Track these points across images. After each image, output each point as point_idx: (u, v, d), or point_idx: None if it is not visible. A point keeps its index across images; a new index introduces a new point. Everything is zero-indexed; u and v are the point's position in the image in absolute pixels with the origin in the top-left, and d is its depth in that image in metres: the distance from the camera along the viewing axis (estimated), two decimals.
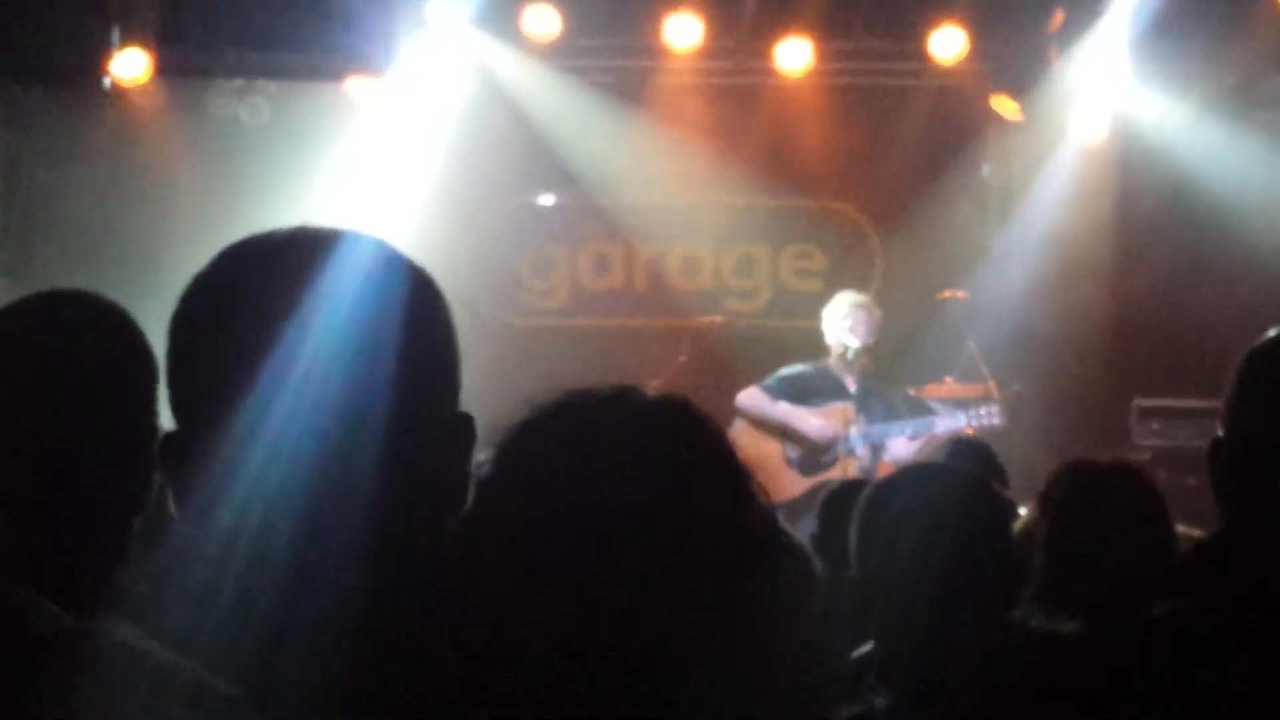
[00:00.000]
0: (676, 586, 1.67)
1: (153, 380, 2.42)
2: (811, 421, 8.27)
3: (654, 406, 1.80)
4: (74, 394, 2.56)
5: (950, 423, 7.96)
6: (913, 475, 3.52)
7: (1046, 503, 3.82)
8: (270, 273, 1.68)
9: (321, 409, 1.60)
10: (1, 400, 2.58)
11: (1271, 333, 2.22)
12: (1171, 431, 9.01)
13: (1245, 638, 2.08)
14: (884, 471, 7.71)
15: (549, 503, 1.70)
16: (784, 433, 8.32)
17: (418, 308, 1.70)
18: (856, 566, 3.21)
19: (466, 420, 1.69)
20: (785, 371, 8.42)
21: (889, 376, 8.60)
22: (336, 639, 1.55)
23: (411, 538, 1.67)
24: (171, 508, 1.71)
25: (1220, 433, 2.16)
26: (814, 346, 8.53)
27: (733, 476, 1.79)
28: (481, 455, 1.74)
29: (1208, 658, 2.07)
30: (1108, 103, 10.08)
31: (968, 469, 4.08)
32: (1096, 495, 3.78)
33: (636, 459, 1.74)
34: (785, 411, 8.33)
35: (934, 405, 8.34)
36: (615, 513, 1.69)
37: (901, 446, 8.07)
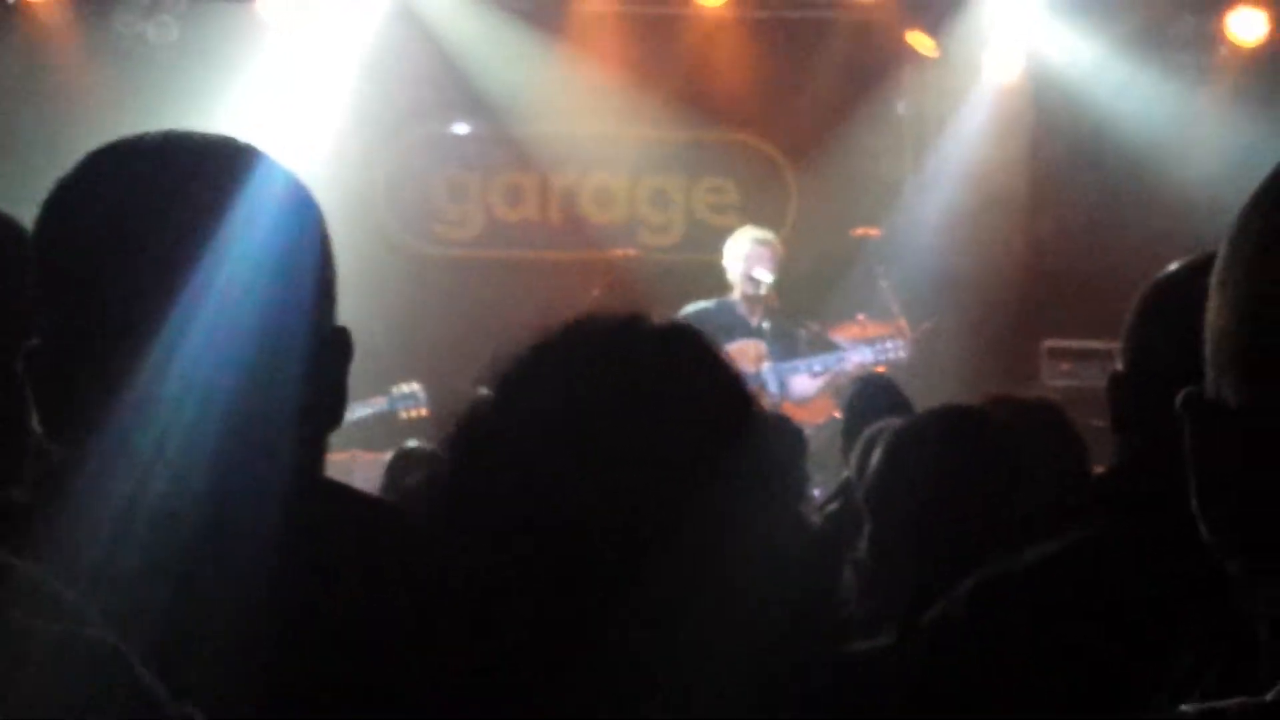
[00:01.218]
0: (681, 506, 1.66)
1: None
2: None
3: (662, 332, 1.80)
4: None
5: (856, 358, 7.99)
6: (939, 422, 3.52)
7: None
8: (146, 176, 1.66)
9: (236, 331, 1.59)
10: None
11: (1171, 266, 2.19)
12: (1080, 372, 9.09)
13: (1136, 570, 2.07)
14: (788, 408, 7.78)
15: (559, 425, 1.70)
16: None
17: (310, 221, 1.71)
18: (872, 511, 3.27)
19: (345, 334, 1.70)
20: (689, 309, 8.37)
21: (804, 313, 8.62)
22: (260, 565, 1.54)
23: (316, 455, 1.70)
24: (34, 422, 1.70)
25: (1119, 366, 2.16)
26: (726, 282, 8.55)
27: (743, 403, 1.79)
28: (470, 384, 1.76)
29: (1098, 593, 2.09)
30: (1022, 41, 10.22)
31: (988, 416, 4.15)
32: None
33: (648, 381, 1.74)
34: None
35: (840, 342, 8.36)
36: (625, 434, 1.68)
37: (806, 382, 8.10)
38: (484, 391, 1.73)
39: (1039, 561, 2.51)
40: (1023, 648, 2.14)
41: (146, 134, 1.70)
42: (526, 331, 1.78)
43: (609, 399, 1.72)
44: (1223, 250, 0.97)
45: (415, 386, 7.65)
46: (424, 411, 7.53)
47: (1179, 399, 0.98)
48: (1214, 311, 0.97)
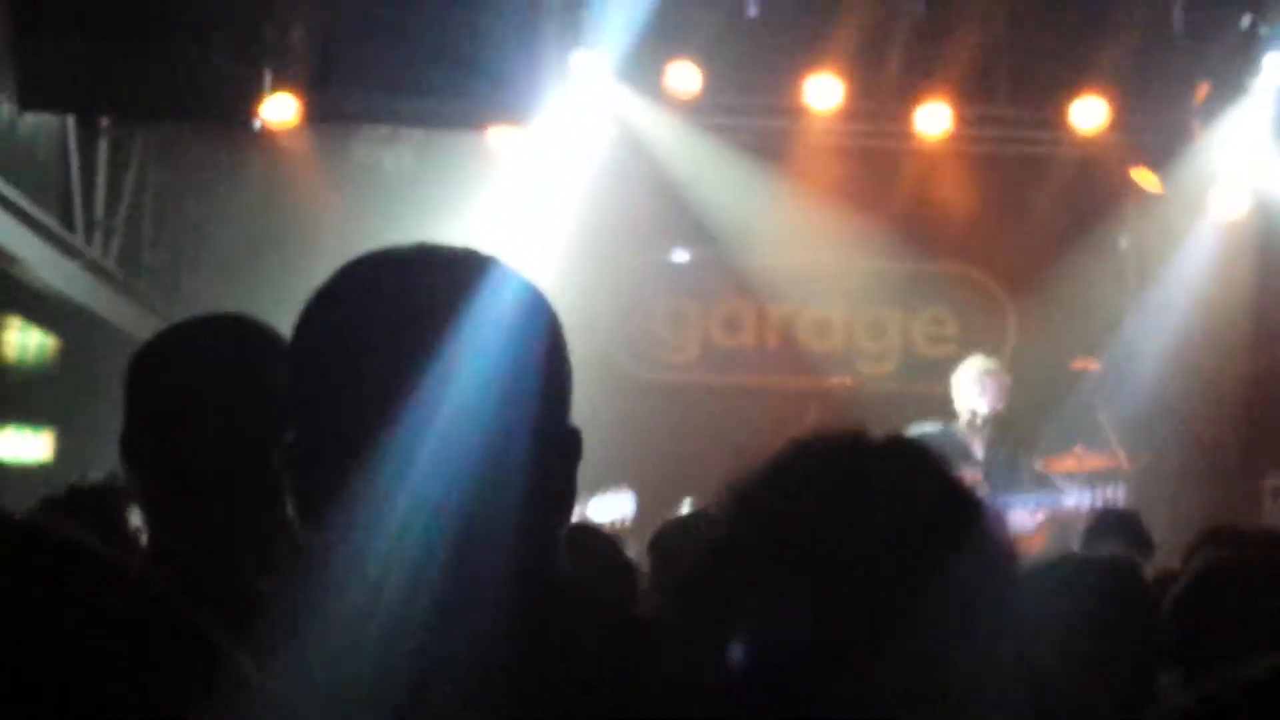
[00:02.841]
0: (907, 610, 1.68)
1: None
2: None
3: (887, 447, 1.84)
4: (227, 406, 2.61)
5: (1075, 500, 7.87)
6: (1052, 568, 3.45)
7: (1186, 566, 3.74)
8: (396, 284, 1.70)
9: (471, 432, 1.61)
10: (163, 407, 2.64)
11: None
12: None
13: None
14: None
15: (792, 539, 1.74)
16: None
17: (544, 326, 1.72)
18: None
19: (577, 435, 1.70)
20: (912, 431, 8.11)
21: (1019, 445, 8.48)
22: (492, 664, 1.56)
23: (548, 555, 1.70)
24: (291, 515, 1.72)
25: None
26: (944, 412, 8.47)
27: (967, 507, 1.81)
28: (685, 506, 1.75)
29: None
30: (1249, 178, 9.99)
31: (1106, 556, 4.05)
32: (1239, 559, 3.67)
33: (881, 492, 1.78)
34: None
35: (1059, 481, 8.27)
36: (853, 544, 1.72)
37: (1024, 519, 7.98)
38: (707, 508, 1.72)
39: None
40: None
41: (398, 246, 1.73)
42: (740, 455, 1.83)
43: (837, 511, 1.74)
44: None
45: (627, 494, 7.75)
46: (628, 523, 7.62)
47: None
48: None
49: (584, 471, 1.73)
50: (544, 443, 1.66)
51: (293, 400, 1.71)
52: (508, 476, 1.63)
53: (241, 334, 2.73)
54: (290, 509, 1.71)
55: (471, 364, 1.64)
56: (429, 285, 1.69)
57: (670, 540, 4.12)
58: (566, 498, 1.72)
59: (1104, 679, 3.05)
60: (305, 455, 1.66)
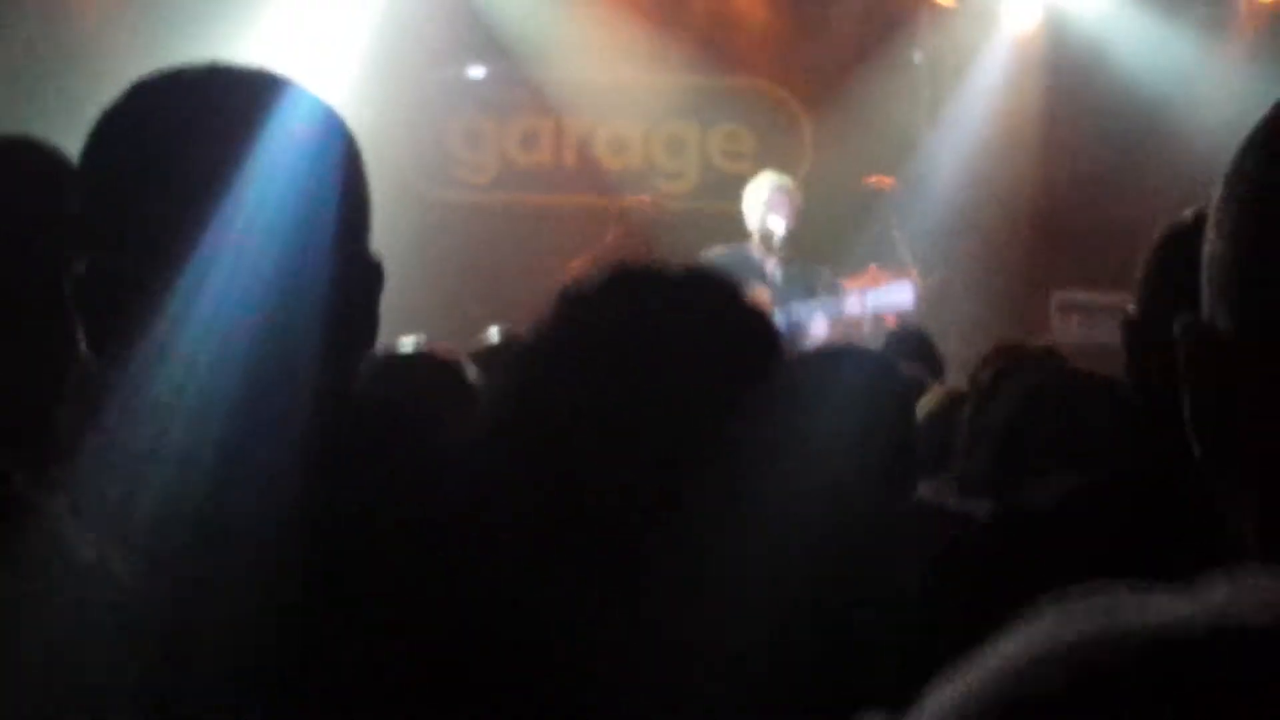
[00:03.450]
0: (709, 441, 1.77)
1: None
2: None
3: (686, 279, 1.91)
4: (6, 230, 2.48)
5: (865, 302, 8.02)
6: (821, 358, 3.57)
7: (973, 384, 3.88)
8: (189, 106, 1.70)
9: (268, 255, 1.62)
10: None
11: (1184, 214, 2.19)
12: (1091, 326, 9.18)
13: (1146, 510, 2.08)
14: None
15: (595, 372, 1.80)
16: None
17: (341, 149, 1.74)
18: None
19: (378, 265, 1.74)
20: (703, 256, 8.20)
21: (812, 264, 8.58)
22: (289, 484, 1.58)
23: (347, 380, 1.73)
24: (82, 345, 1.71)
25: (1133, 310, 2.18)
26: (741, 229, 8.53)
27: (766, 342, 1.90)
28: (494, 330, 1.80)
29: (1106, 530, 2.08)
30: None
31: (870, 351, 4.24)
32: (1022, 378, 3.79)
33: (676, 327, 1.85)
34: None
35: (850, 291, 8.35)
36: (655, 378, 1.78)
37: (820, 328, 8.10)
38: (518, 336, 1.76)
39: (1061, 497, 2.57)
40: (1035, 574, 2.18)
41: (189, 65, 1.73)
42: (541, 276, 1.75)
43: (639, 346, 1.81)
44: (1220, 187, 1.02)
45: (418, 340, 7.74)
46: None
47: (1176, 327, 1.05)
48: (1210, 243, 1.01)
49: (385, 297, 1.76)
50: (343, 267, 1.69)
51: (83, 226, 1.71)
52: (306, 300, 1.65)
53: (21, 154, 2.59)
54: (82, 338, 1.70)
55: (268, 185, 1.64)
56: (223, 105, 1.70)
57: (484, 368, 4.17)
58: (368, 324, 1.74)
59: (859, 475, 3.07)
60: (98, 283, 1.66)
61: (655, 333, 1.86)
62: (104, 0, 9.69)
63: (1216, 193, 1.00)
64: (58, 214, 2.25)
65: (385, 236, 1.75)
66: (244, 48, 8.54)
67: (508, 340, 5.08)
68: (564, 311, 1.88)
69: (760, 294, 7.90)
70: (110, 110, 1.69)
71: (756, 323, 1.95)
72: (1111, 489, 2.44)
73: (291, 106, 1.73)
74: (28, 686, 1.25)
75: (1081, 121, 10.34)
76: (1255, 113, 0.98)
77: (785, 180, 8.41)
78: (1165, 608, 0.82)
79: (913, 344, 5.49)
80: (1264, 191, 0.99)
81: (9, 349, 2.39)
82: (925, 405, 4.16)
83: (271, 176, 1.65)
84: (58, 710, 1.27)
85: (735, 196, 8.81)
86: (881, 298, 8.04)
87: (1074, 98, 10.34)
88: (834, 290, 8.22)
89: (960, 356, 6.65)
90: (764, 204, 8.21)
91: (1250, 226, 0.99)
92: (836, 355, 3.67)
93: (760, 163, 9.67)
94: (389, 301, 1.77)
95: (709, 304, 1.92)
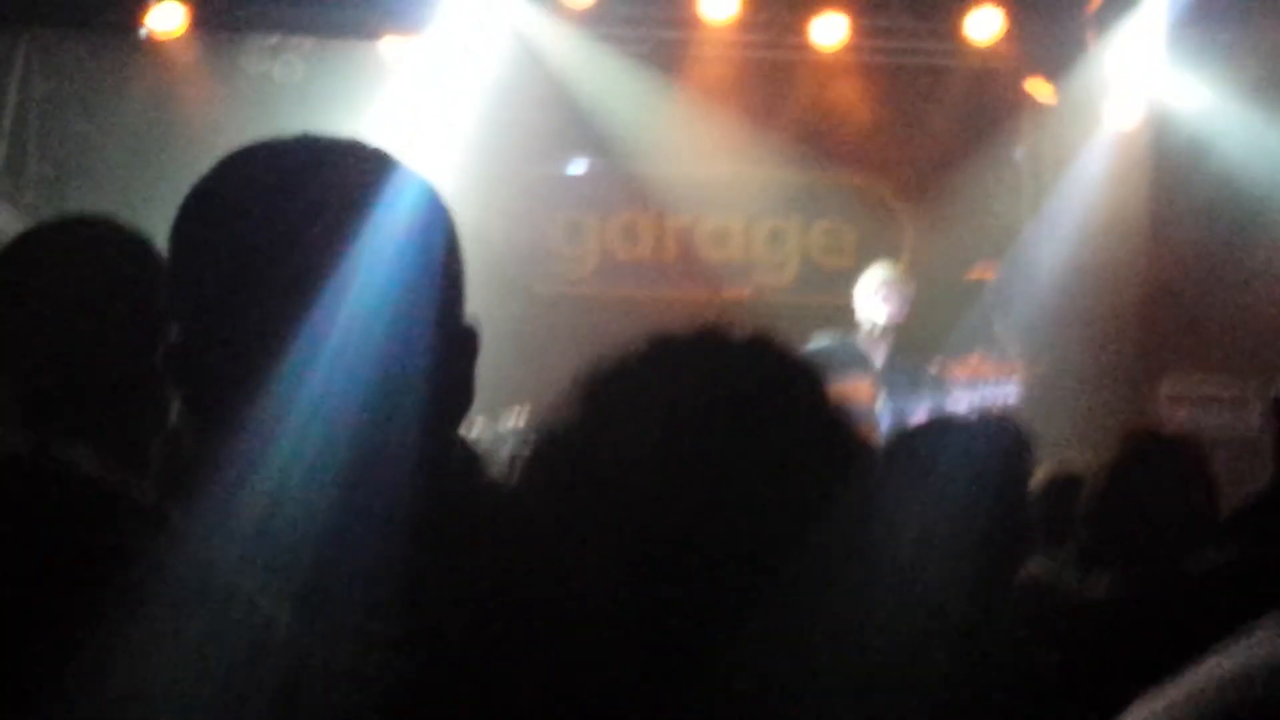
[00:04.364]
0: (775, 526, 1.64)
1: None
2: None
3: (743, 344, 1.78)
4: (92, 311, 2.60)
5: (967, 400, 8.07)
6: (937, 425, 3.59)
7: (1099, 464, 3.88)
8: (280, 174, 1.69)
9: (372, 327, 1.62)
10: (25, 319, 2.62)
11: None
12: (1199, 417, 9.12)
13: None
14: None
15: (639, 446, 1.67)
16: None
17: (440, 219, 1.73)
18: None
19: (473, 332, 1.74)
20: (812, 345, 8.37)
21: (917, 354, 8.65)
22: (392, 558, 1.57)
23: (447, 452, 1.72)
24: (174, 418, 1.77)
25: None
26: (840, 323, 8.60)
27: (826, 411, 1.76)
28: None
29: (1238, 610, 2.12)
30: (1143, 88, 10.25)
31: (988, 421, 4.26)
32: (1149, 460, 3.81)
33: (727, 399, 1.71)
34: None
35: (953, 387, 8.44)
36: (706, 453, 1.65)
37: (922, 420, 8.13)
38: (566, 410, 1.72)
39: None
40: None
41: (280, 137, 1.73)
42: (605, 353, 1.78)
43: (687, 411, 1.69)
44: None
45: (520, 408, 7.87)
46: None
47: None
48: None
49: (480, 387, 1.75)
50: (444, 339, 1.69)
51: (176, 298, 1.71)
52: (409, 374, 1.66)
53: (102, 234, 2.74)
54: (175, 411, 1.77)
55: (370, 257, 1.64)
56: (312, 172, 1.69)
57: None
58: (465, 395, 1.74)
59: (969, 542, 3.05)
60: (193, 355, 1.66)
61: (703, 405, 1.72)
62: (211, 89, 9.94)
63: None
64: (136, 290, 2.51)
65: (486, 328, 1.76)
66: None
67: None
68: (610, 388, 1.76)
69: (861, 387, 8.11)
70: (201, 182, 1.69)
71: (813, 393, 1.80)
72: (1252, 564, 2.42)
73: (386, 176, 1.72)
74: (173, 689, 1.25)
75: (1186, 213, 10.30)
76: None
77: (895, 273, 8.54)
78: None
79: (1009, 429, 5.55)
80: None
81: (90, 424, 2.45)
82: (1033, 484, 4.10)
83: (375, 246, 1.64)
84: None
85: (834, 290, 9.01)
86: (985, 393, 8.09)
87: (1178, 190, 10.31)
88: (938, 385, 8.33)
89: (1066, 449, 6.66)
90: (874, 294, 8.29)
91: None
92: (949, 424, 3.72)
93: (860, 257, 9.88)
94: (491, 384, 1.80)
95: (759, 370, 1.79)
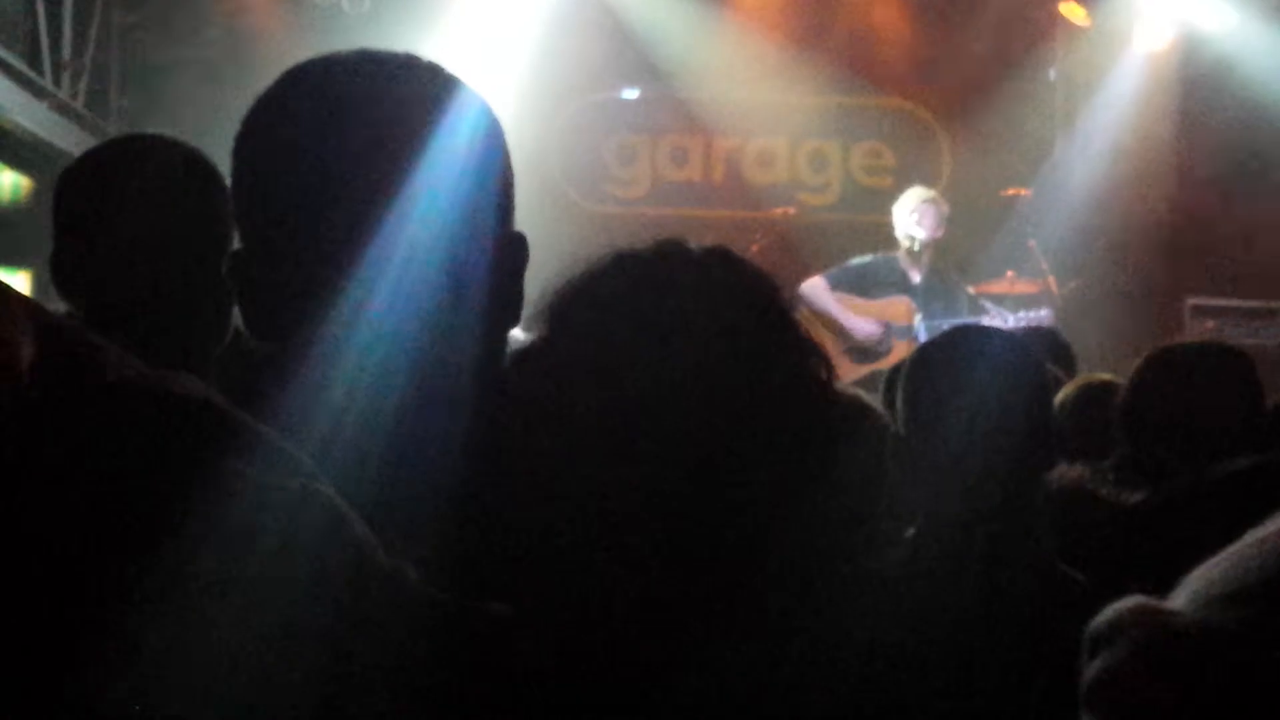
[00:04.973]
0: (738, 444, 1.63)
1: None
2: (855, 321, 8.40)
3: (701, 260, 1.74)
4: (156, 226, 2.61)
5: (1000, 321, 7.97)
6: (961, 332, 3.39)
7: (1133, 375, 3.72)
8: (346, 90, 1.64)
9: (435, 236, 1.59)
10: (92, 236, 2.64)
11: None
12: (1223, 329, 9.03)
13: None
14: None
15: (600, 367, 1.65)
16: (833, 326, 8.41)
17: (492, 132, 1.69)
18: (904, 424, 3.10)
19: (523, 240, 1.70)
20: (852, 262, 8.51)
21: (954, 271, 8.68)
22: (453, 460, 1.56)
23: (500, 357, 1.69)
24: (239, 322, 1.70)
25: None
26: (881, 240, 8.63)
27: (784, 326, 1.75)
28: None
29: (1261, 512, 1.81)
30: (1172, 11, 10.07)
31: (1010, 331, 3.97)
32: (1184, 369, 3.65)
33: (688, 317, 1.68)
34: (836, 308, 8.43)
35: (988, 305, 8.44)
36: (670, 373, 1.63)
37: None
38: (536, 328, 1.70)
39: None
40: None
41: (340, 51, 1.68)
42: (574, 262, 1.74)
43: (645, 328, 1.67)
44: None
45: None
46: None
47: None
48: None
49: (533, 300, 1.72)
50: (499, 249, 1.66)
51: (241, 209, 1.67)
52: (468, 281, 1.63)
53: (164, 152, 2.73)
54: (242, 318, 1.68)
55: (429, 168, 1.61)
56: (377, 86, 1.65)
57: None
58: (516, 300, 1.70)
59: (999, 443, 2.93)
60: (260, 262, 1.63)
61: (659, 320, 1.68)
62: (284, 20, 9.88)
63: None
64: (201, 201, 2.55)
65: (540, 246, 1.74)
66: None
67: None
68: (570, 305, 1.71)
69: (899, 303, 8.26)
70: (267, 92, 1.66)
71: (768, 301, 1.76)
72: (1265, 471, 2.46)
73: (443, 90, 1.66)
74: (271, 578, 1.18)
75: (1212, 133, 10.15)
76: None
77: (932, 193, 8.51)
78: None
79: (1048, 343, 5.61)
80: None
81: (158, 330, 2.49)
82: (1064, 395, 3.99)
83: (431, 158, 1.61)
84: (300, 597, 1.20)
85: (875, 209, 8.99)
86: (1021, 317, 8.03)
87: (1205, 110, 10.16)
88: (975, 306, 8.34)
89: (1096, 362, 6.67)
90: (911, 215, 8.30)
91: None
92: (972, 330, 3.49)
93: (900, 177, 9.87)
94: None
95: (718, 284, 1.73)
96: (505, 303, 1.67)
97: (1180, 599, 1.04)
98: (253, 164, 1.63)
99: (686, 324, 1.64)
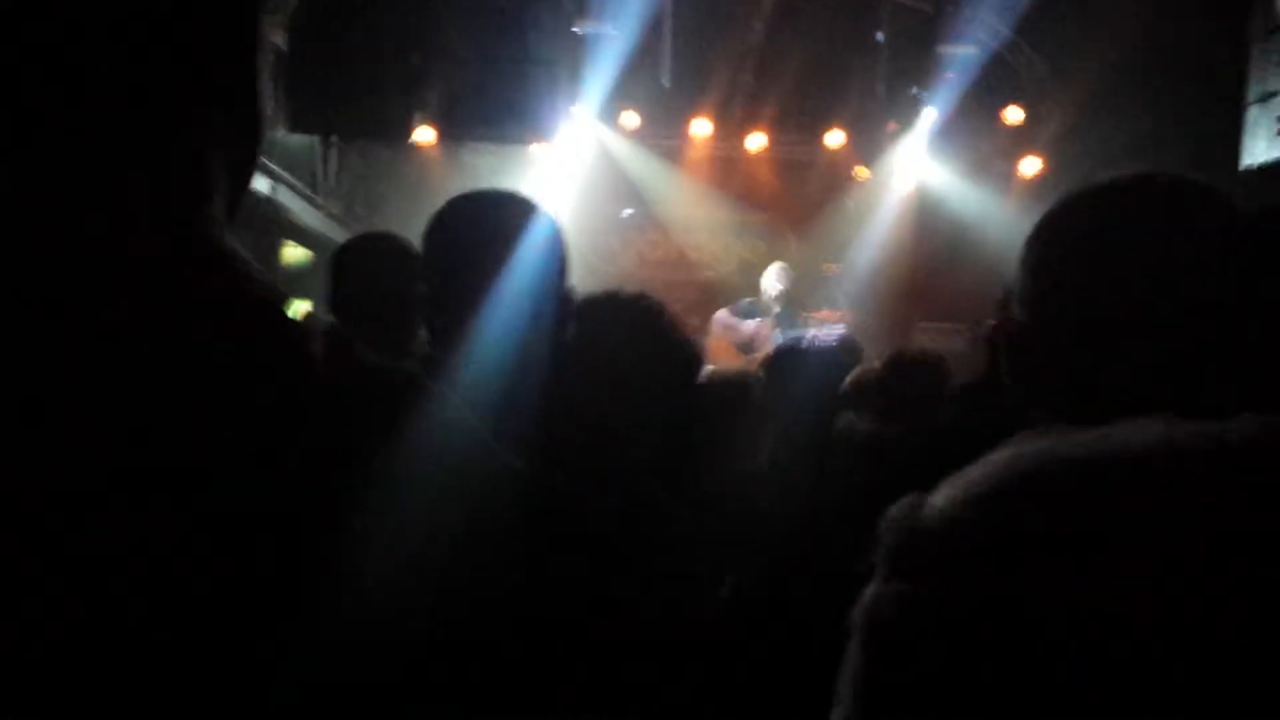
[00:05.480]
0: (641, 403, 2.19)
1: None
2: (742, 331, 9.83)
3: (638, 297, 2.37)
4: (391, 282, 3.23)
5: (819, 334, 5.78)
6: (798, 340, 4.03)
7: (881, 364, 4.05)
8: (484, 206, 2.28)
9: (530, 291, 2.19)
10: (357, 284, 3.29)
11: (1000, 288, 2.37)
12: (937, 342, 10.65)
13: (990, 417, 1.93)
14: None
15: (595, 347, 2.27)
16: (732, 333, 9.84)
17: (559, 236, 2.36)
18: (766, 391, 3.50)
19: (573, 292, 2.33)
20: (741, 301, 10.23)
21: (795, 308, 9.97)
22: (534, 396, 2.07)
23: (560, 350, 2.28)
24: (422, 337, 2.26)
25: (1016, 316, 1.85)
26: (756, 293, 10.21)
27: (672, 331, 2.38)
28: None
29: (969, 445, 1.51)
30: (914, 171, 12.87)
31: (824, 339, 4.45)
32: (906, 362, 3.97)
33: (616, 324, 2.33)
34: (733, 324, 9.91)
35: (813, 325, 9.23)
36: (623, 354, 2.24)
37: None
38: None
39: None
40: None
41: (478, 189, 2.34)
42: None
43: (597, 333, 2.32)
44: (1022, 253, 1.49)
45: None
46: None
47: (991, 328, 2.11)
48: (1018, 281, 1.46)
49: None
50: (559, 301, 2.32)
51: (427, 268, 2.29)
52: (544, 318, 2.24)
53: (392, 241, 3.42)
54: (423, 333, 2.31)
55: (526, 254, 2.19)
56: (501, 208, 2.29)
57: None
58: (569, 319, 2.33)
59: (818, 402, 3.47)
60: (436, 302, 2.23)
61: (611, 339, 2.24)
62: (445, 168, 11.89)
63: (1021, 256, 1.51)
64: (406, 267, 3.22)
65: (581, 284, 2.40)
66: (525, 187, 7.70)
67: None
68: (585, 323, 2.26)
69: (766, 324, 9.93)
70: (442, 208, 2.32)
71: (667, 337, 2.33)
72: (969, 422, 2.92)
73: (532, 211, 2.35)
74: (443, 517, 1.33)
75: (933, 234, 12.92)
76: (1024, 234, 1.52)
77: (784, 265, 10.23)
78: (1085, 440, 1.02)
79: (846, 345, 5.21)
80: (1037, 252, 1.44)
81: (384, 337, 3.06)
82: (865, 372, 4.20)
83: (531, 247, 2.21)
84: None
85: (754, 274, 10.70)
86: (830, 331, 6.13)
87: (930, 221, 12.93)
88: (806, 324, 9.38)
89: (870, 356, 5.46)
90: (772, 276, 10.06)
91: (1035, 267, 1.43)
92: (802, 340, 4.09)
93: (769, 257, 11.79)
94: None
95: (642, 320, 2.29)
96: (561, 320, 2.33)
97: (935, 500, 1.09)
98: (433, 246, 2.29)
99: (628, 328, 2.37)
